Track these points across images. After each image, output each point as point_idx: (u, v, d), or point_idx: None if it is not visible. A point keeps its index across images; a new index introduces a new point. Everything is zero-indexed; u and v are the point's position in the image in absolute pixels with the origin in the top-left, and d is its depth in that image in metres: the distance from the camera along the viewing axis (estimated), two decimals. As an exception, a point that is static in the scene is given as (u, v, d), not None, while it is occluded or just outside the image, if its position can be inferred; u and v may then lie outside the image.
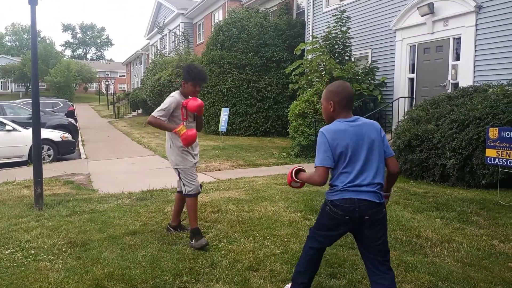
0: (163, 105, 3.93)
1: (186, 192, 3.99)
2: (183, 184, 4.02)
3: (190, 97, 3.99)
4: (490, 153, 5.57)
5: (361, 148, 2.53)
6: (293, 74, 11.90)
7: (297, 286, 2.75)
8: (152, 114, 3.95)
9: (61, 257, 3.70)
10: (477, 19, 8.64)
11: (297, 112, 10.37)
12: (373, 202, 2.50)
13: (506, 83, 7.48)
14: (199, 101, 3.93)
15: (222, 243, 3.99)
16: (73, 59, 68.57)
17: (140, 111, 29.63)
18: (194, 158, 4.07)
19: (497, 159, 5.48)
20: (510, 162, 5.34)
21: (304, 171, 2.76)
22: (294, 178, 2.73)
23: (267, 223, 4.57)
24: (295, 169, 2.77)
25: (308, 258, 2.72)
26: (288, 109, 11.26)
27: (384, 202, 2.58)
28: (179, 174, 4.05)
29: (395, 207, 5.28)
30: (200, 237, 3.87)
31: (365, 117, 2.85)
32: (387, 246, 2.62)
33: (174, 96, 3.97)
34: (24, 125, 11.29)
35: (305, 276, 2.73)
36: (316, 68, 11.20)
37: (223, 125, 12.32)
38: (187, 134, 3.81)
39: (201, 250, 3.77)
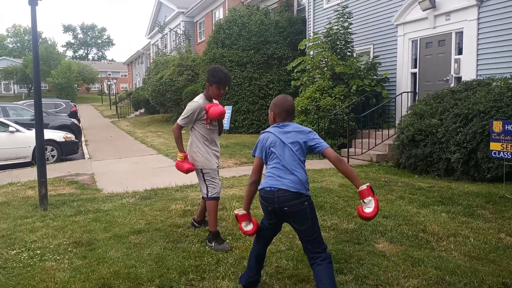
0: (186, 112, 3.91)
1: (210, 194, 3.92)
2: (207, 186, 3.93)
3: (214, 100, 3.98)
4: (494, 146, 5.54)
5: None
6: (295, 71, 11.87)
7: None
8: (177, 121, 3.99)
9: (67, 257, 3.70)
10: (479, 13, 8.58)
11: (300, 109, 10.35)
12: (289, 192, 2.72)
13: (509, 76, 7.44)
14: (220, 107, 3.86)
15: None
16: (75, 60, 68.72)
17: (142, 110, 29.66)
18: (217, 160, 4.02)
19: (501, 152, 5.45)
20: (515, 155, 5.31)
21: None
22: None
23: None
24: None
25: None
26: (291, 106, 11.21)
27: (302, 195, 2.72)
28: (203, 176, 3.95)
29: (400, 202, 5.26)
30: (222, 241, 3.82)
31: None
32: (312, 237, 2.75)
33: (197, 102, 3.91)
34: (27, 126, 11.33)
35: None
36: (318, 64, 11.17)
37: (226, 123, 12.31)
38: (180, 164, 3.94)
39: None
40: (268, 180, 2.79)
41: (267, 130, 2.93)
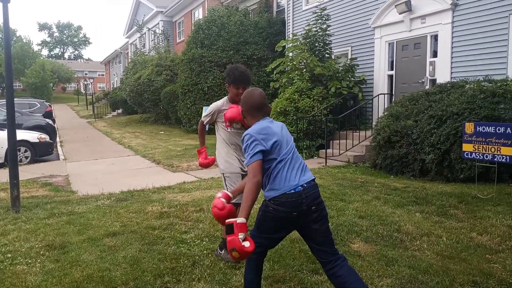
0: (208, 110, 3.79)
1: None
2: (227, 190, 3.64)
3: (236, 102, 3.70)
4: (467, 147, 5.67)
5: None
6: (274, 72, 11.91)
7: None
8: (201, 118, 3.88)
9: (39, 260, 3.62)
10: (453, 16, 8.79)
11: (279, 110, 10.39)
12: None
13: (482, 79, 7.63)
14: (235, 110, 3.53)
15: (204, 242, 3.97)
16: (50, 59, 67.18)
17: (120, 110, 29.21)
18: (241, 164, 3.70)
19: (473, 153, 5.59)
20: (486, 156, 5.45)
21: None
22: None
23: (250, 221, 4.54)
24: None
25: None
26: (270, 107, 11.25)
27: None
28: (224, 180, 3.71)
29: (376, 202, 5.34)
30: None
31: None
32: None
33: (216, 103, 3.77)
34: (0, 126, 11.01)
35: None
36: (297, 66, 11.23)
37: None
38: (200, 161, 3.94)
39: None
40: (286, 182, 2.47)
41: (247, 132, 2.57)
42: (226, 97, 3.83)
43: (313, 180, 2.60)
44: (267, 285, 3.09)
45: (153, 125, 20.26)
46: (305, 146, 10.02)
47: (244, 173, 3.66)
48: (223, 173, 3.73)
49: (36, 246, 3.97)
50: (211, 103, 4.06)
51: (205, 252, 3.72)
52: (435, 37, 9.33)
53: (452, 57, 8.87)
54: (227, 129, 3.70)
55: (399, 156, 7.40)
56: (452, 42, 8.83)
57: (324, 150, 9.45)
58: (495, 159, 5.36)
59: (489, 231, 4.24)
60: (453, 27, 8.81)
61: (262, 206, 2.59)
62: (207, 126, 3.95)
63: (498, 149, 5.30)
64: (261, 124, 2.58)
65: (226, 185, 3.71)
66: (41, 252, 3.81)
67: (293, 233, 4.14)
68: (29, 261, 3.62)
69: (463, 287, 3.07)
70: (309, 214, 2.49)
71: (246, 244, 2.26)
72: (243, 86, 3.63)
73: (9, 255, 3.75)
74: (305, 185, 2.50)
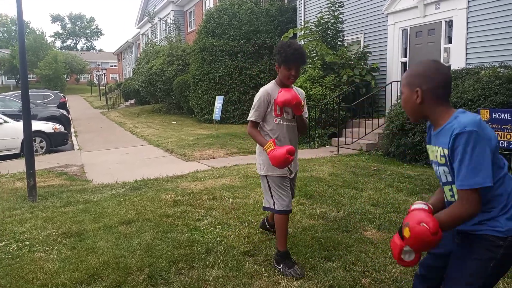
0: (253, 104, 3.12)
1: (277, 207, 3.10)
2: (272, 196, 3.14)
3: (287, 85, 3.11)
4: (482, 134, 5.59)
5: None
6: (285, 60, 11.82)
7: None
8: (248, 118, 3.17)
9: (56, 248, 3.69)
10: (468, 2, 8.60)
11: (290, 99, 10.33)
12: None
13: (498, 65, 7.49)
14: (291, 92, 2.96)
15: (217, 230, 4.00)
16: (63, 50, 67.72)
17: (132, 101, 29.44)
18: (291, 166, 3.19)
19: (489, 140, 5.51)
20: (501, 143, 5.37)
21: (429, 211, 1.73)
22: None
23: (262, 209, 4.58)
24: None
25: None
26: (281, 95, 11.20)
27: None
28: (267, 183, 3.16)
29: (389, 190, 5.31)
30: (292, 264, 3.09)
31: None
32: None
33: (263, 90, 3.10)
34: (15, 117, 11.19)
35: None
36: (308, 54, 11.14)
37: (217, 113, 12.27)
38: (274, 154, 2.84)
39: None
40: None
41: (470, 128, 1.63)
42: (273, 80, 3.20)
43: None
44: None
45: (166, 115, 20.36)
46: (317, 135, 9.99)
47: (292, 175, 3.26)
48: (266, 175, 3.16)
49: (53, 234, 4.05)
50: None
51: (218, 239, 3.75)
52: (449, 23, 9.16)
53: (467, 43, 8.70)
54: (276, 119, 3.10)
55: (412, 144, 7.33)
56: (467, 28, 8.66)
57: (336, 139, 9.41)
58: (511, 146, 5.29)
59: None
60: (468, 12, 8.63)
61: (489, 249, 1.69)
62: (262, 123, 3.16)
63: (514, 136, 5.22)
64: (474, 116, 1.69)
65: (269, 188, 3.15)
66: (58, 240, 3.89)
67: (305, 221, 4.17)
68: (47, 248, 3.70)
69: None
70: None
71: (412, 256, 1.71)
72: (296, 66, 3.01)
73: (27, 243, 3.84)
74: None
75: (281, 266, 3.11)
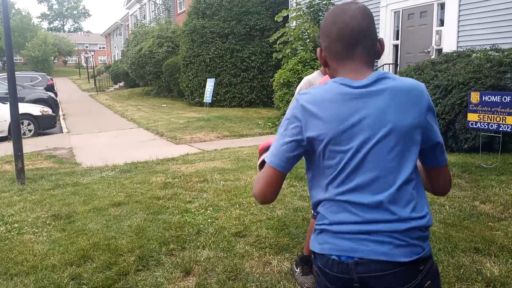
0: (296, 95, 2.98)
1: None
2: None
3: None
4: (471, 117, 5.61)
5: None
6: (277, 43, 11.73)
7: None
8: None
9: (45, 230, 3.67)
10: (461, -17, 8.55)
11: (282, 81, 10.28)
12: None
13: (489, 48, 7.49)
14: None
15: (208, 211, 4.00)
16: (50, 32, 66.43)
17: (122, 84, 29.07)
18: None
19: (478, 123, 5.54)
20: (491, 126, 5.41)
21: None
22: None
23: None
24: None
25: None
26: (273, 78, 11.14)
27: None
28: None
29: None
30: (308, 272, 2.77)
31: None
32: None
33: (307, 79, 3.02)
34: (2, 100, 10.98)
35: None
36: (300, 36, 11.04)
37: (208, 96, 12.16)
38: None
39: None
40: None
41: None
42: (318, 70, 3.16)
43: None
44: (271, 253, 3.13)
45: (155, 98, 20.17)
46: (308, 118, 9.97)
47: None
48: None
49: (42, 216, 4.01)
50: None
51: (209, 220, 3.75)
52: (441, 5, 9.11)
53: (459, 26, 8.68)
54: None
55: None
56: (459, 11, 8.62)
57: (327, 122, 9.39)
58: (500, 129, 5.32)
59: (492, 199, 4.25)
60: (460, -6, 8.58)
61: None
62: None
63: (504, 118, 5.25)
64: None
65: None
66: (47, 222, 3.86)
67: (296, 202, 4.18)
68: (36, 230, 3.67)
69: (465, 253, 3.10)
70: None
71: None
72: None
73: (16, 225, 3.80)
74: None
75: (298, 269, 2.85)
